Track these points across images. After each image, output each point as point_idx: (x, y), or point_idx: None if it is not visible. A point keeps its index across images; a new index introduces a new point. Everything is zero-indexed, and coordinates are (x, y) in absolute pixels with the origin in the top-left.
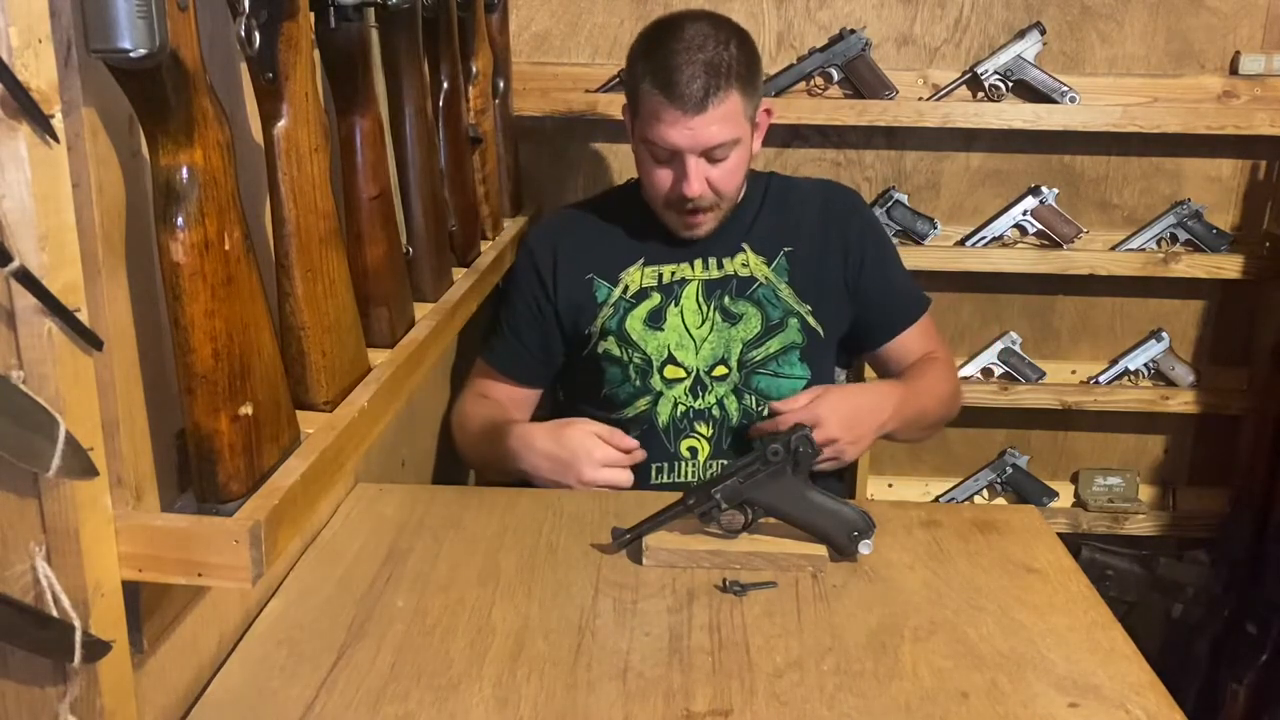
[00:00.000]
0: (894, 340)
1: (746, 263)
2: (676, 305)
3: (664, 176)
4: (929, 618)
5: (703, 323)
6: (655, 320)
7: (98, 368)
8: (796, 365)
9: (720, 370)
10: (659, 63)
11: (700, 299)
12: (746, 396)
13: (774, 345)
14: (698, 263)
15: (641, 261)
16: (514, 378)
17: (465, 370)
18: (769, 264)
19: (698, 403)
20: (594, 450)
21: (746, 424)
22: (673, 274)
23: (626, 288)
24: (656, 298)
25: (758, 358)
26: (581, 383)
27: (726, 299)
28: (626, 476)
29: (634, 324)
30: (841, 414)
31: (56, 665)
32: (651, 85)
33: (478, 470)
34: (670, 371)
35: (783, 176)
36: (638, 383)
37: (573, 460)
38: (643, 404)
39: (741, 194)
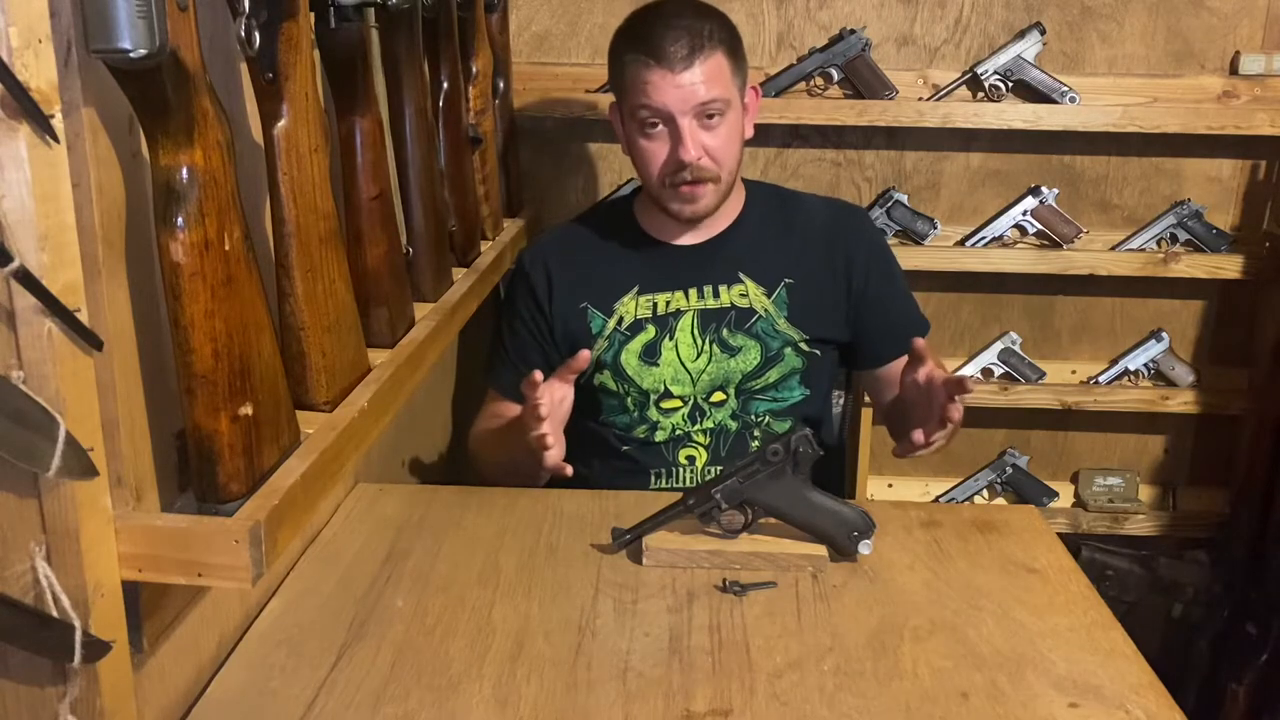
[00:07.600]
0: (889, 365)
1: (746, 293)
2: (671, 339)
3: (658, 149)
4: (929, 618)
5: (698, 355)
6: (650, 355)
7: (98, 368)
8: (796, 388)
9: (718, 396)
10: (641, 35)
11: (695, 332)
12: (745, 416)
13: (773, 375)
14: (692, 292)
15: (636, 290)
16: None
17: (466, 370)
18: (769, 295)
19: (695, 427)
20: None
21: (746, 433)
22: (667, 304)
23: (621, 319)
24: (651, 330)
25: (757, 386)
26: (580, 407)
27: (725, 331)
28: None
29: (629, 359)
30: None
31: (56, 665)
32: (635, 54)
33: (504, 481)
34: (667, 404)
35: (788, 192)
36: (635, 414)
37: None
38: (641, 431)
39: (738, 170)
